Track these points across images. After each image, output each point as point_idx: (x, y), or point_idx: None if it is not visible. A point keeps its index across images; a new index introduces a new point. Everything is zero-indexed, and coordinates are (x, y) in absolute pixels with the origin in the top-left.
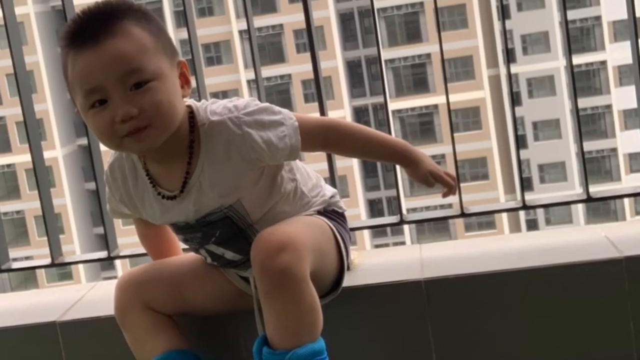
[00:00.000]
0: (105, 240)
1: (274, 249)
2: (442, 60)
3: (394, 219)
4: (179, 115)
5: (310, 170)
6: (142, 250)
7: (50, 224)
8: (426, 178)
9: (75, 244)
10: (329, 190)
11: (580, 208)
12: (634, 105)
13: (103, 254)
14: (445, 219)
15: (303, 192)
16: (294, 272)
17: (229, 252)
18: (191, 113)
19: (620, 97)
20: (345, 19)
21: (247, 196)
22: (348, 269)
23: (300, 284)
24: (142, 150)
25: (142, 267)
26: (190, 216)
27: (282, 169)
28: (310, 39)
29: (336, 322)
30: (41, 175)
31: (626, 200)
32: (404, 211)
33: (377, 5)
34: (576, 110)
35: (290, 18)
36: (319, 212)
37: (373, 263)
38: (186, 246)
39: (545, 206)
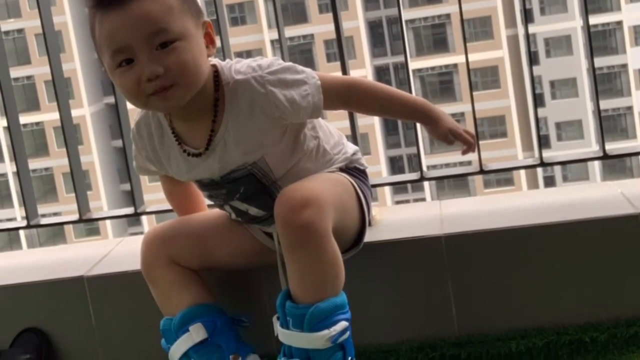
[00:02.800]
0: (132, 197)
1: (297, 205)
2: (462, 21)
3: (414, 175)
4: (203, 74)
5: (332, 128)
6: (168, 206)
7: (78, 180)
8: (446, 136)
9: (102, 201)
10: (350, 147)
11: (596, 165)
12: None
13: (130, 210)
14: (464, 175)
15: (325, 149)
16: (317, 228)
17: (253, 208)
18: (216, 72)
19: (636, 57)
20: None
21: (270, 153)
22: (369, 224)
23: (322, 240)
24: (167, 108)
25: (168, 223)
26: (215, 173)
27: (304, 126)
28: (332, 0)
29: (358, 277)
30: (69, 133)
31: None
32: (424, 168)
33: None
34: (592, 70)
35: None
36: (341, 169)
37: (394, 219)
38: (211, 202)
39: (562, 163)
